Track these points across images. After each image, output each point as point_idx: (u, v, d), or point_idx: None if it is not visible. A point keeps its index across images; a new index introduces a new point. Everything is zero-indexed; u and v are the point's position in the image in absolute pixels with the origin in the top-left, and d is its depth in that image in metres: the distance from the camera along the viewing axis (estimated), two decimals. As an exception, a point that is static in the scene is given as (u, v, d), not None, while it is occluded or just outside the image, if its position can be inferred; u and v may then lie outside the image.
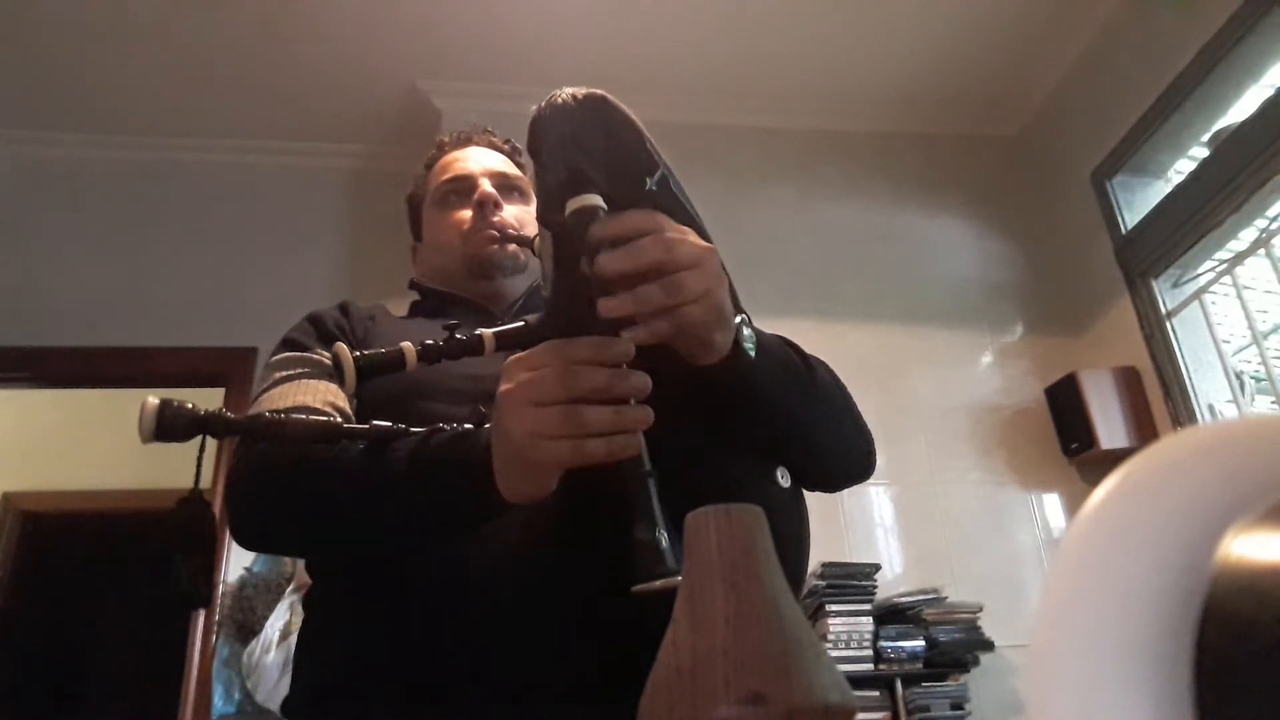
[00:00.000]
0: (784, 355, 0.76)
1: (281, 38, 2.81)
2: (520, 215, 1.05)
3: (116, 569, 3.69)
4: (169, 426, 0.63)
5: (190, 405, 0.65)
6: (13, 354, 2.85)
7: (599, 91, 0.67)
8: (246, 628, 2.36)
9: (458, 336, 0.69)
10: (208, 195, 3.15)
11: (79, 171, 3.10)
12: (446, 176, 1.08)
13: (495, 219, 1.02)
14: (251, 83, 2.97)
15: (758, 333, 0.72)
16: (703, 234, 0.67)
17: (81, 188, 3.09)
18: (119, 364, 2.85)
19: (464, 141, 1.12)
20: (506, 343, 0.68)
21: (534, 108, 0.65)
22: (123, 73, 2.88)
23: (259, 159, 3.21)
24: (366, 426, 0.69)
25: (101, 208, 3.08)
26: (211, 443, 0.66)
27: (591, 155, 0.63)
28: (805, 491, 0.80)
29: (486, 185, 1.04)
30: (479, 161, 1.08)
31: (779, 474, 0.75)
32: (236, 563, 2.50)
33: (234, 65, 2.90)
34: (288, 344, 0.89)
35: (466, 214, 1.04)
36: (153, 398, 0.63)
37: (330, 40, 2.82)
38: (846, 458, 0.84)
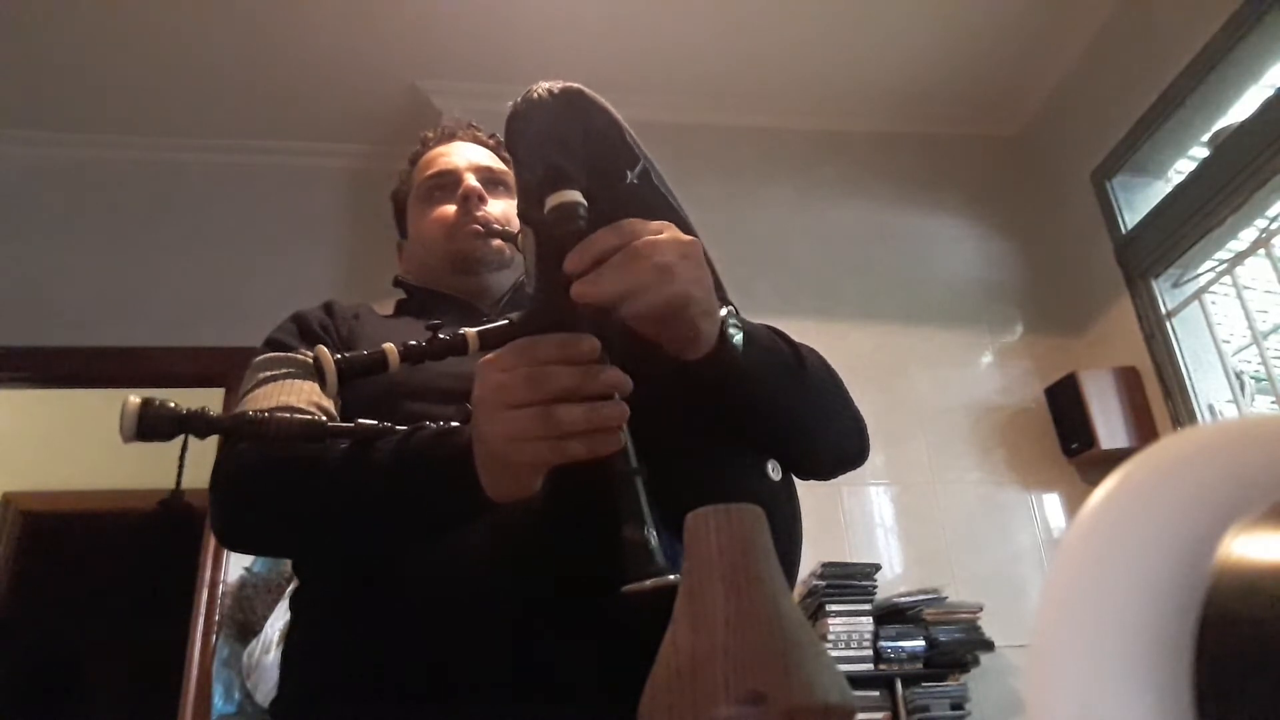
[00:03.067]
0: (772, 345, 0.75)
1: (281, 38, 2.81)
2: (506, 210, 1.04)
3: (116, 569, 3.69)
4: (150, 426, 0.62)
5: (173, 404, 0.64)
6: (13, 354, 2.85)
7: (576, 85, 0.66)
8: (246, 628, 2.36)
9: (441, 336, 0.69)
10: (208, 195, 3.15)
11: (79, 171, 3.10)
12: (431, 171, 1.07)
13: (480, 213, 1.02)
14: (251, 83, 2.97)
15: (745, 323, 0.71)
16: (686, 226, 0.66)
17: (81, 188, 3.09)
18: (119, 364, 2.85)
19: (448, 137, 1.11)
20: (490, 342, 0.68)
21: (509, 104, 0.64)
22: (123, 73, 2.88)
23: (259, 159, 3.20)
24: (351, 425, 0.68)
25: (101, 208, 3.08)
26: (203, 443, 0.65)
27: (570, 150, 0.62)
28: (802, 484, 0.79)
29: (471, 179, 1.04)
30: (463, 156, 1.08)
31: (770, 467, 0.74)
32: (236, 563, 2.50)
33: (234, 65, 2.90)
34: (271, 344, 0.89)
35: (451, 209, 1.04)
36: (134, 396, 0.62)
37: (330, 40, 2.82)
38: (839, 445, 0.83)
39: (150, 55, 2.83)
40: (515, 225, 1.01)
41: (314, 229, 3.15)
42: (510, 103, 0.64)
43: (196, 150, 3.16)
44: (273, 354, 0.87)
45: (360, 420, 0.69)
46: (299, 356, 0.86)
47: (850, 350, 2.74)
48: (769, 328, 0.77)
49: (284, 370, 0.83)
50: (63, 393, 3.57)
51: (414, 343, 0.69)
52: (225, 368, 2.78)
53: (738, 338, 0.68)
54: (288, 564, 2.44)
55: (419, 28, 2.79)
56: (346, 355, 0.68)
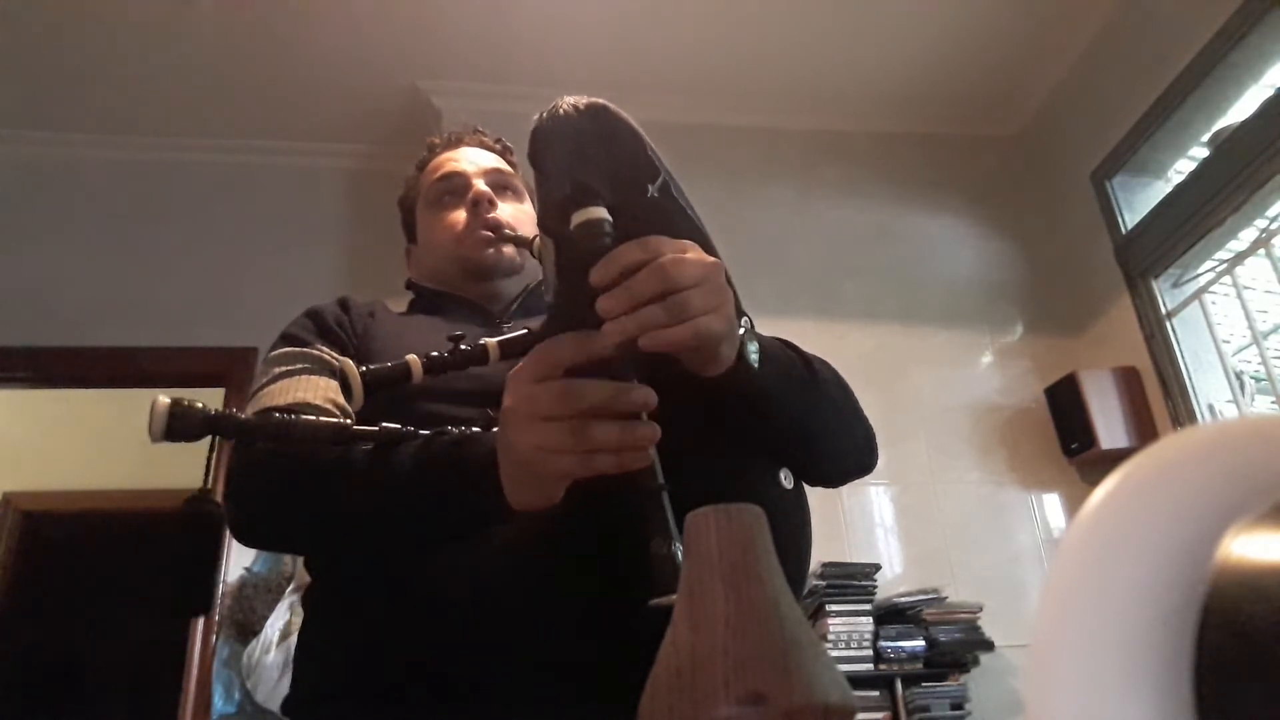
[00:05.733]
0: (786, 360, 0.76)
1: (281, 38, 2.80)
2: (515, 214, 1.04)
3: (116, 569, 3.69)
4: (180, 427, 0.63)
5: (200, 405, 0.64)
6: (13, 354, 2.84)
7: (600, 101, 0.67)
8: (246, 628, 2.36)
9: (462, 347, 0.69)
10: (208, 195, 3.15)
11: (79, 171, 3.10)
12: (439, 176, 1.07)
13: (490, 217, 1.02)
14: (251, 83, 2.96)
15: (760, 338, 0.71)
16: (705, 239, 0.66)
17: (81, 188, 3.09)
18: (119, 364, 2.85)
19: (455, 142, 1.11)
20: (511, 351, 0.68)
21: (535, 118, 0.65)
22: (123, 73, 2.88)
23: (259, 159, 3.20)
24: (375, 428, 0.68)
25: (101, 208, 3.08)
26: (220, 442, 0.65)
27: (594, 165, 0.63)
28: (807, 488, 0.80)
29: (480, 184, 1.04)
30: (471, 160, 1.08)
31: (782, 475, 0.75)
32: (236, 563, 2.50)
33: (234, 65, 2.89)
34: (287, 339, 0.89)
35: (460, 215, 1.03)
36: (163, 397, 0.63)
37: (330, 40, 2.82)
38: (850, 455, 0.84)
39: (150, 55, 2.83)
40: (525, 228, 1.01)
41: (314, 229, 3.15)
42: (535, 116, 0.64)
43: (196, 150, 3.16)
44: (288, 349, 0.86)
45: (384, 424, 0.69)
46: (314, 352, 0.85)
47: (850, 350, 2.74)
48: (781, 340, 0.78)
49: (300, 365, 0.83)
50: (63, 393, 3.58)
51: (436, 354, 0.69)
52: (225, 368, 2.78)
53: (755, 355, 0.68)
54: (288, 564, 2.45)
55: (419, 28, 2.79)
56: (371, 368, 0.68)
